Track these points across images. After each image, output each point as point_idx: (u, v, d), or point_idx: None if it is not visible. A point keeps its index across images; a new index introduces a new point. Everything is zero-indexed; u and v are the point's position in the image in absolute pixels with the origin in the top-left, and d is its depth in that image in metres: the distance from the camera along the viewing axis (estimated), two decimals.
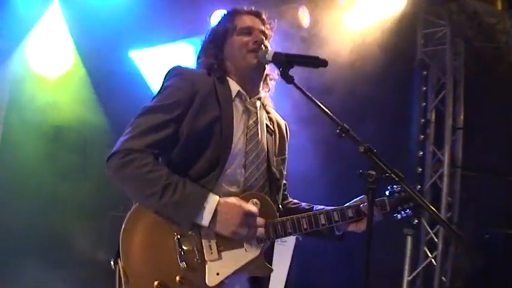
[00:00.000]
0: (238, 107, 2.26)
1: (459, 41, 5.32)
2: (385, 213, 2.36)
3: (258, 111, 2.31)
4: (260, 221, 2.09)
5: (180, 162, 2.12)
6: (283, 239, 5.06)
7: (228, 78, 2.30)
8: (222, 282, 2.05)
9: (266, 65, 2.30)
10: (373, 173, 1.76)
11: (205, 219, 1.99)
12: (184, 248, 2.03)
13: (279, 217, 2.20)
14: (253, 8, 2.41)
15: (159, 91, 2.18)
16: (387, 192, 2.42)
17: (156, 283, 1.97)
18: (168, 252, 2.02)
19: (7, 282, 5.80)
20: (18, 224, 5.91)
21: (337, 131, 1.87)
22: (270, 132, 2.37)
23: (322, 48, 5.40)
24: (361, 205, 2.31)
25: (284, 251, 4.81)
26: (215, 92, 2.19)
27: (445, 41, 5.26)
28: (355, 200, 2.36)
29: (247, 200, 2.13)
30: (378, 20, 5.09)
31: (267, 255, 2.22)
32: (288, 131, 2.55)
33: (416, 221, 5.24)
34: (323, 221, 2.25)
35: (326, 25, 5.36)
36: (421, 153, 5.43)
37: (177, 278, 1.99)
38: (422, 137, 5.46)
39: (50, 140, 6.43)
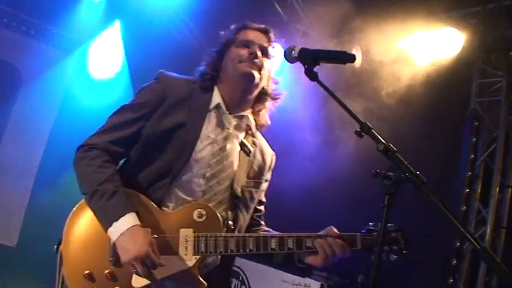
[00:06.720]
0: (212, 118, 2.25)
1: None
2: (354, 250, 2.07)
3: (232, 129, 2.26)
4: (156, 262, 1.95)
5: (137, 162, 2.18)
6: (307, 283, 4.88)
7: (215, 88, 2.29)
8: (148, 286, 1.99)
9: (258, 79, 2.25)
10: (391, 174, 1.60)
11: (113, 237, 1.97)
12: None
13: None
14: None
15: (137, 92, 2.28)
16: (364, 230, 2.11)
17: (86, 272, 1.99)
18: (103, 245, 2.03)
19: None
20: None
21: (357, 129, 1.73)
22: (246, 152, 2.32)
23: (372, 88, 5.34)
24: (325, 237, 2.07)
25: None
26: (190, 100, 2.22)
27: (501, 93, 5.04)
28: (325, 230, 2.15)
29: (193, 209, 2.10)
30: (432, 63, 4.98)
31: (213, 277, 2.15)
32: (273, 162, 2.51)
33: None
34: (273, 245, 2.07)
35: (377, 66, 5.31)
36: (464, 207, 5.12)
37: (106, 272, 1.99)
38: (467, 190, 5.17)
39: None
